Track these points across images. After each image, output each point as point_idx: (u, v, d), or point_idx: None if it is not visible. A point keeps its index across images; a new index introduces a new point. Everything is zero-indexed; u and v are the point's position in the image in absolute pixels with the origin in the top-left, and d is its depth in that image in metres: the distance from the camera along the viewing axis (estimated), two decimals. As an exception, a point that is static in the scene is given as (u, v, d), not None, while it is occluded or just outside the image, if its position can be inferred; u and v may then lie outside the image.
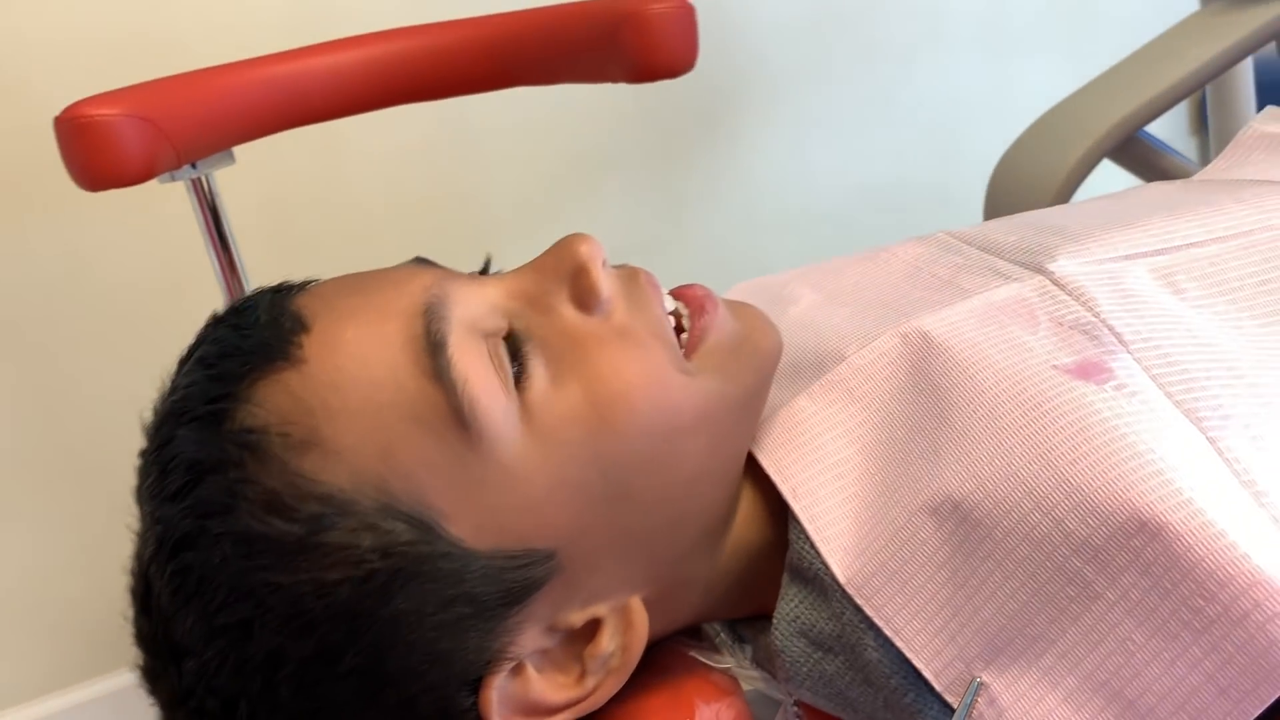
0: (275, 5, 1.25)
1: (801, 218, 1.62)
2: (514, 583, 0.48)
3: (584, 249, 0.52)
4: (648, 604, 0.52)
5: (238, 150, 0.96)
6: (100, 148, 0.83)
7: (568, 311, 0.51)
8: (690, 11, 0.94)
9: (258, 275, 0.99)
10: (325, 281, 0.53)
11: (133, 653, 0.50)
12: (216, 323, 0.51)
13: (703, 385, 0.51)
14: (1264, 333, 0.52)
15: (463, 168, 1.40)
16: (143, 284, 1.27)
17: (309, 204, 1.33)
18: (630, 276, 0.54)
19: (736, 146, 1.56)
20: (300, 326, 0.48)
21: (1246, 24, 1.04)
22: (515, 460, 0.47)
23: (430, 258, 0.55)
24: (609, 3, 0.96)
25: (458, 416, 0.46)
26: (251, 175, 1.06)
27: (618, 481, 0.49)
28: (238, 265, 0.99)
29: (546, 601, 0.49)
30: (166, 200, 1.07)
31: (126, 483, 0.52)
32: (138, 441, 0.50)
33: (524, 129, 1.41)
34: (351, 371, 0.47)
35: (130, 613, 0.50)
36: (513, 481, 0.47)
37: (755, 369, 0.54)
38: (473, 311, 0.50)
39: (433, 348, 0.47)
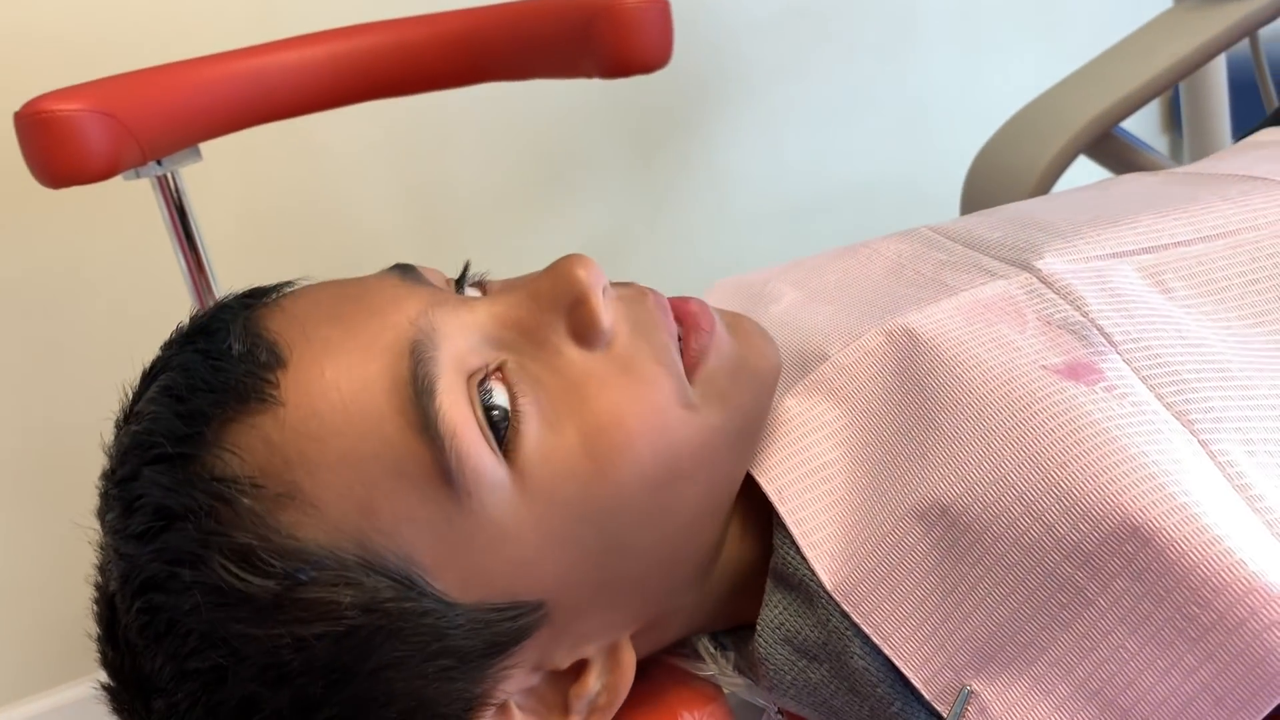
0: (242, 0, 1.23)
1: (776, 214, 1.62)
2: (500, 634, 0.46)
3: (582, 274, 0.48)
4: (635, 636, 0.51)
5: (205, 149, 0.95)
6: (62, 144, 0.81)
7: (566, 347, 0.48)
8: (665, 6, 0.93)
9: (224, 273, 0.98)
10: (300, 297, 0.49)
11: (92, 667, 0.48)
12: (183, 342, 0.47)
13: (704, 421, 0.49)
14: (1253, 333, 0.51)
15: (434, 164, 1.39)
16: (111, 283, 1.25)
17: (277, 202, 1.31)
18: (637, 299, 0.51)
19: (710, 142, 1.56)
20: (276, 361, 0.44)
21: (1220, 20, 1.04)
22: (505, 518, 0.45)
23: (408, 261, 0.53)
24: (582, -3, 0.95)
25: (444, 472, 0.43)
26: (219, 174, 1.04)
27: (613, 534, 0.47)
28: (205, 264, 0.98)
29: (534, 647, 0.47)
30: (133, 198, 1.05)
31: (84, 495, 0.50)
32: (95, 456, 0.48)
33: (496, 124, 1.40)
34: (332, 421, 0.43)
35: (95, 630, 0.48)
36: (502, 539, 0.45)
37: (754, 394, 0.52)
38: (462, 346, 0.46)
39: (420, 395, 0.44)
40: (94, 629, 0.48)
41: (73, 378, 1.24)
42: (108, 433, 0.49)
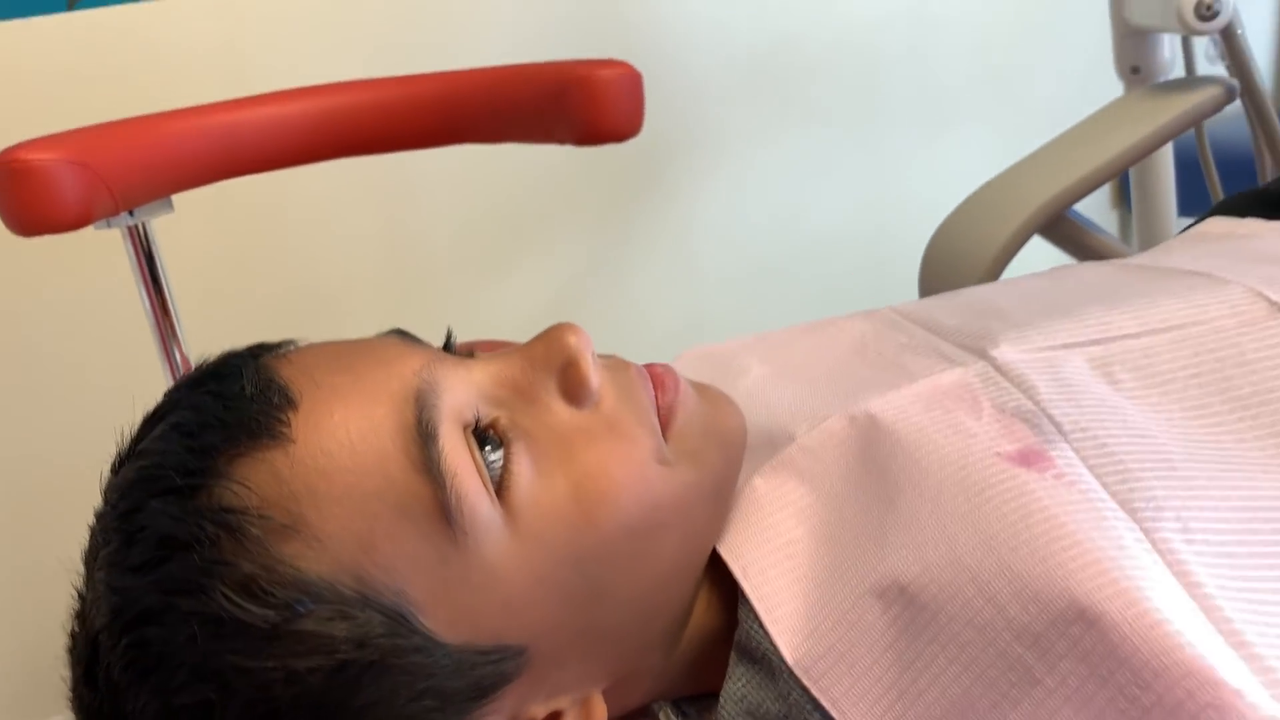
0: (219, 54, 1.24)
1: (740, 274, 1.64)
2: (483, 677, 0.47)
3: (573, 340, 0.51)
4: (605, 692, 0.53)
5: (176, 198, 0.95)
6: (36, 193, 0.82)
7: (556, 405, 0.51)
8: (637, 79, 0.96)
9: (190, 321, 0.98)
10: (307, 350, 0.51)
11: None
12: (193, 385, 0.49)
13: (680, 477, 0.52)
14: (1194, 425, 0.54)
15: (404, 217, 1.40)
16: (74, 332, 1.24)
17: (246, 252, 1.32)
18: (620, 368, 0.54)
19: (677, 203, 1.58)
20: (288, 403, 0.46)
21: (1169, 110, 1.08)
22: (497, 558, 0.47)
23: (380, 319, 0.55)
24: (557, 66, 0.97)
25: (444, 512, 0.46)
26: (188, 224, 1.05)
27: (596, 580, 0.49)
28: (172, 313, 0.98)
29: (513, 694, 0.49)
30: (102, 247, 1.05)
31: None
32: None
33: (467, 181, 1.42)
34: (339, 458, 0.45)
35: (67, 675, 0.48)
36: (493, 579, 0.47)
37: (723, 453, 0.54)
38: (461, 399, 0.49)
39: (424, 439, 0.46)
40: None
41: (32, 425, 1.23)
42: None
